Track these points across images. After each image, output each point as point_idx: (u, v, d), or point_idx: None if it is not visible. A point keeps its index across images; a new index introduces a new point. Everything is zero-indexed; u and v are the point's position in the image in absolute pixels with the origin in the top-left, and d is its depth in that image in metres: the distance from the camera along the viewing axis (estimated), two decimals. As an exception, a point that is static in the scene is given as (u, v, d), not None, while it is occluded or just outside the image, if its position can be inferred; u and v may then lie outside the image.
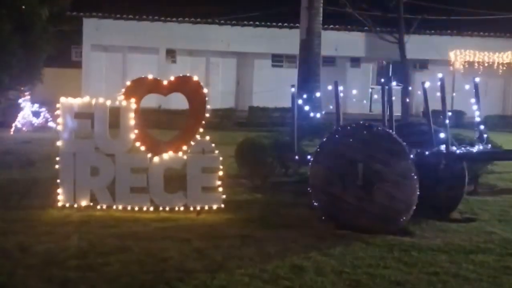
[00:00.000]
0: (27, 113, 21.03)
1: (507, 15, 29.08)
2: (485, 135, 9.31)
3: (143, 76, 9.51)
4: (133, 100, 9.08)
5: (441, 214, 8.79)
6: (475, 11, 28.84)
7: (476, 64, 31.52)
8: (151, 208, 8.90)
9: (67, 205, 8.92)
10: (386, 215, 7.83)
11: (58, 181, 9.02)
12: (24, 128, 20.70)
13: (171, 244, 7.18)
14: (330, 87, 9.10)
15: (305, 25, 19.89)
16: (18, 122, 20.72)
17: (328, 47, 29.03)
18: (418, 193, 7.82)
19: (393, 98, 9.26)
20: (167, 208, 8.90)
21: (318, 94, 16.07)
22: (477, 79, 9.28)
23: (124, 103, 9.06)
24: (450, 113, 9.03)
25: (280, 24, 30.47)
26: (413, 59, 30.71)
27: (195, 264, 6.47)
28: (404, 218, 7.86)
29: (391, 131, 8.32)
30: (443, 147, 8.50)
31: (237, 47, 30.57)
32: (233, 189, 10.29)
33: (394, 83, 9.31)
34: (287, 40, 28.86)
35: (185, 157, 9.05)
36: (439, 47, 31.09)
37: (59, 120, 9.12)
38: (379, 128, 8.28)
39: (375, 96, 29.91)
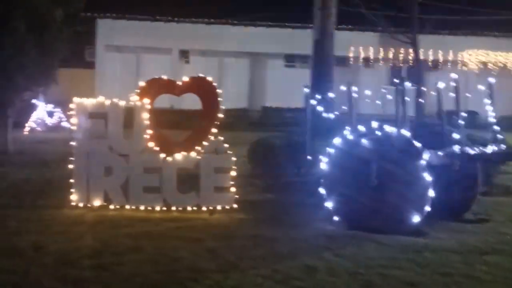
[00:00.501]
0: (41, 113, 21.16)
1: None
2: (499, 136, 9.26)
3: (157, 77, 9.54)
4: (147, 100, 9.11)
5: (455, 214, 8.77)
6: (489, 11, 28.69)
7: (490, 65, 31.34)
8: (164, 208, 8.93)
9: (81, 204, 8.96)
10: (399, 216, 7.81)
11: (72, 181, 9.07)
12: (38, 128, 20.83)
13: (184, 244, 7.20)
14: (343, 88, 9.09)
15: (319, 25, 19.80)
16: (32, 122, 20.85)
17: (341, 48, 29.01)
18: (431, 193, 7.80)
19: (407, 98, 9.23)
20: (180, 208, 8.93)
21: (331, 95, 16.01)
22: (491, 80, 9.23)
23: (138, 103, 9.09)
24: (464, 114, 8.98)
25: (293, 24, 30.44)
26: (427, 59, 30.58)
27: (208, 264, 6.48)
28: (417, 218, 7.83)
29: (404, 131, 8.29)
30: (457, 147, 8.47)
31: (250, 47, 30.57)
32: (246, 189, 10.30)
33: (407, 84, 9.27)
34: (300, 40, 28.81)
35: (198, 157, 9.07)
36: (452, 47, 30.94)
37: (73, 120, 9.17)
38: (393, 128, 8.26)
39: (389, 97, 29.85)
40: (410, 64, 29.84)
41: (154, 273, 6.17)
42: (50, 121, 21.41)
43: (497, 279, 6.25)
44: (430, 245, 7.37)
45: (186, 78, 9.50)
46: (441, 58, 31.74)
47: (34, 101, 20.74)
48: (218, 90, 9.39)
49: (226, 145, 9.18)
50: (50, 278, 5.95)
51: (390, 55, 31.20)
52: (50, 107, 21.51)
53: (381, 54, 31.53)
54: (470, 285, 6.09)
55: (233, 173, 9.05)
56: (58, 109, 21.42)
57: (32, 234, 7.52)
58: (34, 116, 21.05)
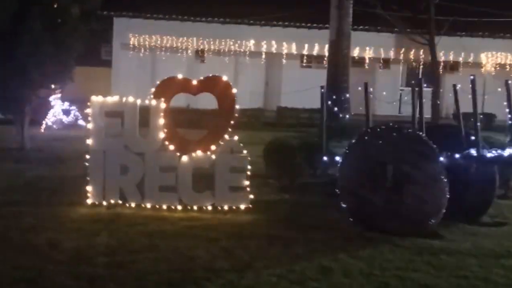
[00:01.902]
0: (58, 111, 21.25)
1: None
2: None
3: (173, 76, 9.55)
4: (163, 99, 9.13)
5: (471, 217, 8.71)
6: (507, 13, 28.47)
7: (507, 67, 31.16)
8: (179, 207, 8.94)
9: (97, 202, 8.99)
10: (415, 218, 7.78)
11: (88, 178, 9.10)
12: (54, 126, 20.92)
13: (199, 243, 7.21)
14: (359, 88, 9.07)
15: (335, 25, 19.82)
16: (49, 120, 20.94)
17: (357, 48, 28.94)
18: (448, 196, 7.75)
19: (423, 100, 9.18)
20: (195, 207, 8.93)
21: (347, 95, 16.00)
22: (510, 82, 9.17)
23: (154, 102, 9.11)
24: (481, 116, 8.91)
25: (309, 24, 30.39)
26: (444, 60, 30.44)
27: (223, 263, 6.49)
28: (434, 221, 7.79)
29: (421, 133, 8.25)
30: (473, 150, 8.41)
31: (266, 47, 30.57)
32: (261, 189, 10.30)
33: (424, 85, 9.21)
34: (317, 40, 28.78)
35: (213, 156, 9.07)
36: (470, 49, 30.76)
37: (90, 118, 9.19)
38: (409, 130, 8.22)
39: (405, 98, 29.74)
40: (427, 65, 29.70)
41: (169, 272, 6.19)
42: (66, 119, 21.47)
43: (514, 283, 6.21)
44: (446, 247, 7.34)
45: (201, 78, 9.51)
46: (458, 60, 31.57)
47: (50, 98, 20.83)
48: (233, 90, 9.38)
49: (241, 145, 9.17)
50: (65, 275, 5.99)
51: (407, 56, 31.07)
52: (66, 105, 21.57)
53: (398, 55, 31.42)
54: (486, 288, 6.06)
55: (248, 173, 9.04)
56: (74, 107, 21.48)
57: (47, 231, 7.56)
58: (51, 113, 21.12)
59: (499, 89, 9.52)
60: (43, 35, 14.35)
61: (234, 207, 8.94)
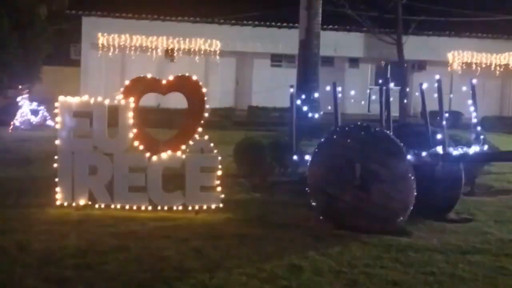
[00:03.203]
0: (26, 111, 21.05)
1: (504, 17, 29.17)
2: (482, 136, 9.34)
3: (142, 75, 9.52)
4: (132, 99, 9.10)
5: (438, 214, 8.82)
6: (473, 13, 28.90)
7: (473, 65, 31.62)
8: (150, 208, 8.92)
9: (66, 204, 8.93)
10: (383, 215, 7.87)
11: (57, 180, 9.03)
12: (22, 127, 20.71)
13: (170, 243, 7.20)
14: (328, 88, 9.14)
15: (304, 25, 19.90)
16: (17, 121, 20.73)
17: (327, 48, 29.11)
18: (415, 193, 7.86)
19: (391, 99, 9.29)
20: (166, 208, 8.92)
21: (316, 95, 16.07)
22: (474, 80, 9.32)
23: (122, 102, 9.07)
24: (447, 114, 9.04)
25: (279, 24, 30.51)
26: (411, 60, 30.75)
27: (193, 263, 6.50)
28: (401, 218, 7.89)
29: (388, 132, 8.34)
30: (440, 148, 8.53)
31: (237, 46, 30.61)
32: (232, 188, 10.31)
33: (392, 84, 9.32)
34: (286, 40, 28.87)
35: (183, 156, 9.06)
36: (437, 48, 31.15)
37: (58, 118, 9.13)
38: (377, 129, 8.31)
39: (373, 97, 30.00)
40: (395, 64, 29.99)
41: (139, 272, 6.18)
42: (34, 120, 21.28)
43: (479, 278, 6.31)
44: (413, 244, 7.43)
45: (171, 77, 9.49)
46: (425, 59, 31.94)
47: (18, 99, 20.62)
48: (203, 89, 9.38)
49: (212, 145, 9.18)
50: (34, 278, 5.94)
51: (375, 56, 31.34)
52: (34, 105, 21.37)
53: (366, 54, 31.68)
54: (452, 284, 6.15)
55: (219, 173, 9.05)
56: (43, 107, 21.29)
57: (16, 233, 7.49)
58: (18, 114, 20.91)
59: (465, 88, 9.65)
60: (10, 35, 14.23)
61: (204, 207, 8.95)
